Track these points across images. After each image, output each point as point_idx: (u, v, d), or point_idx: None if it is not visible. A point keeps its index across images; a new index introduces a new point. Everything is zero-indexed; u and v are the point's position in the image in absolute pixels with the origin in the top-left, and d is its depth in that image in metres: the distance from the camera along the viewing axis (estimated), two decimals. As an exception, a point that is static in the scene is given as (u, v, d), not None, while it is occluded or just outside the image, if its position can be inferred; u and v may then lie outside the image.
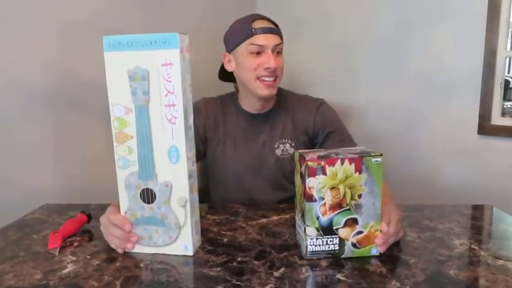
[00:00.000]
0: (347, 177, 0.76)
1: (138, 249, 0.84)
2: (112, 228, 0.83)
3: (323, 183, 0.76)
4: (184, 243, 0.82)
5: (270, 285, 0.70)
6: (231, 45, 1.19)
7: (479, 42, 1.83)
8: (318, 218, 0.78)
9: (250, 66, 1.14)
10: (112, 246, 0.84)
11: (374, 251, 0.80)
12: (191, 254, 0.82)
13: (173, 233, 0.82)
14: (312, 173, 0.76)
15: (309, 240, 0.78)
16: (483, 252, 0.83)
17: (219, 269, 0.76)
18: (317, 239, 0.78)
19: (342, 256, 0.79)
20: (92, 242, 0.89)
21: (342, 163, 0.76)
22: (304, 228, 0.78)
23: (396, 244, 0.84)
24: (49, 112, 1.45)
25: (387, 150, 1.71)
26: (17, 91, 1.37)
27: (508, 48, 1.86)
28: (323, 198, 0.77)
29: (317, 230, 0.78)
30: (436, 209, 1.08)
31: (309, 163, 0.76)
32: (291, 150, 1.23)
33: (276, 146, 1.23)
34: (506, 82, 2.10)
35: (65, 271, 0.76)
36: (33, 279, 0.73)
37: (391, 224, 0.80)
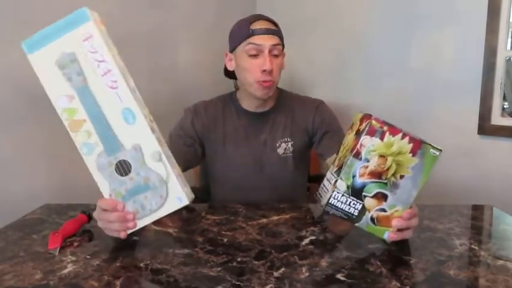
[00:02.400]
0: (399, 153, 0.75)
1: (138, 223, 0.83)
2: (106, 214, 0.82)
3: (375, 147, 0.75)
4: (176, 196, 0.81)
5: (270, 285, 0.70)
6: (231, 44, 1.20)
7: (479, 42, 1.83)
8: (354, 176, 0.77)
9: (248, 67, 1.14)
10: (114, 234, 0.83)
11: (386, 235, 0.79)
12: (187, 202, 0.81)
13: (162, 191, 0.81)
14: (371, 132, 0.75)
15: (335, 193, 0.77)
16: (483, 252, 0.83)
17: (219, 269, 0.76)
18: (343, 195, 0.78)
19: (356, 224, 0.79)
20: (92, 242, 0.89)
21: (402, 138, 0.75)
22: (336, 181, 0.77)
23: (397, 244, 0.84)
24: (49, 112, 1.45)
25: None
26: (17, 91, 1.37)
27: (508, 48, 1.85)
28: (368, 161, 0.76)
29: (347, 187, 0.77)
30: (436, 209, 1.08)
31: (373, 122, 0.75)
32: (292, 149, 1.23)
33: (277, 145, 1.23)
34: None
35: (65, 271, 0.76)
36: (33, 279, 0.73)
37: (415, 217, 0.80)
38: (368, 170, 0.76)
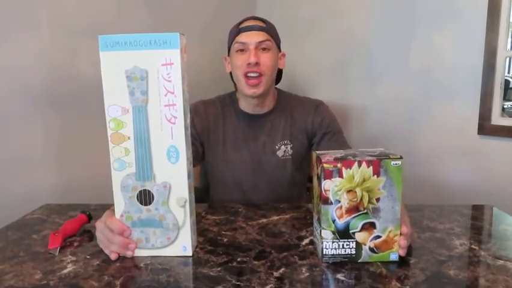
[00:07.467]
0: (364, 180, 0.74)
1: (135, 252, 0.82)
2: (110, 234, 0.80)
3: (339, 186, 0.74)
4: (183, 244, 0.81)
5: (270, 285, 0.70)
6: (228, 47, 1.23)
7: (479, 42, 1.83)
8: (334, 221, 0.76)
9: (237, 63, 1.18)
10: (106, 251, 0.81)
11: (393, 257, 0.77)
12: (190, 254, 0.81)
13: (171, 234, 0.81)
14: (328, 175, 0.74)
15: (324, 243, 0.77)
16: (483, 252, 0.83)
17: (219, 269, 0.76)
18: (333, 242, 0.77)
19: (359, 261, 0.78)
20: (92, 242, 0.89)
21: (360, 165, 0.74)
22: (320, 231, 0.77)
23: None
24: (49, 112, 1.45)
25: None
26: (17, 91, 1.37)
27: (508, 48, 1.85)
28: (339, 201, 0.75)
29: (333, 233, 0.76)
30: (436, 209, 1.08)
31: (325, 165, 0.74)
32: (291, 152, 1.23)
33: (277, 147, 1.23)
34: (506, 82, 2.10)
35: (65, 271, 0.76)
36: (33, 279, 0.73)
37: (408, 226, 0.79)
38: (343, 210, 0.76)
